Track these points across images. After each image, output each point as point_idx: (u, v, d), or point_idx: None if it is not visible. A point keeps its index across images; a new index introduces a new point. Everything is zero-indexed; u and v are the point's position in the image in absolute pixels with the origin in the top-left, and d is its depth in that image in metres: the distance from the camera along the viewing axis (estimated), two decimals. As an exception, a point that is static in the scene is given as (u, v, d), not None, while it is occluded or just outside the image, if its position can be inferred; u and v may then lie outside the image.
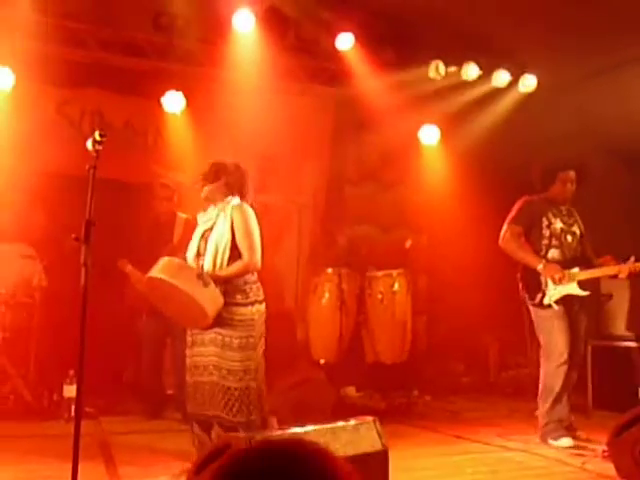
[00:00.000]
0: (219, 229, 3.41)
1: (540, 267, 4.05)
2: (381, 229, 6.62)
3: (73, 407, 3.82)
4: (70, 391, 4.36)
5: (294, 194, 6.31)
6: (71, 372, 4.36)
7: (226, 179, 3.47)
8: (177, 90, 5.61)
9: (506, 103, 6.15)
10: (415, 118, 6.24)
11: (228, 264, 3.36)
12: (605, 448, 3.43)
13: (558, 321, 4.04)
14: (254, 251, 3.37)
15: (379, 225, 6.62)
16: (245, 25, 5.46)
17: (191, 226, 4.86)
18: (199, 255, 3.45)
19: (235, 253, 3.37)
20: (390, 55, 5.97)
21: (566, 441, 3.96)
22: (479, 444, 4.09)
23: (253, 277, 3.44)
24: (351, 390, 5.48)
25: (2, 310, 4.77)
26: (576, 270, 4.09)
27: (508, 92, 6.17)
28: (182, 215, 4.83)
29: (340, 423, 2.69)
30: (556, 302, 4.04)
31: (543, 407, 4.08)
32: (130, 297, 4.79)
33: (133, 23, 5.53)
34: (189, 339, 3.49)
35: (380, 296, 5.43)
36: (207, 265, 3.38)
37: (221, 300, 3.30)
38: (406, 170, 6.50)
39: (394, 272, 5.50)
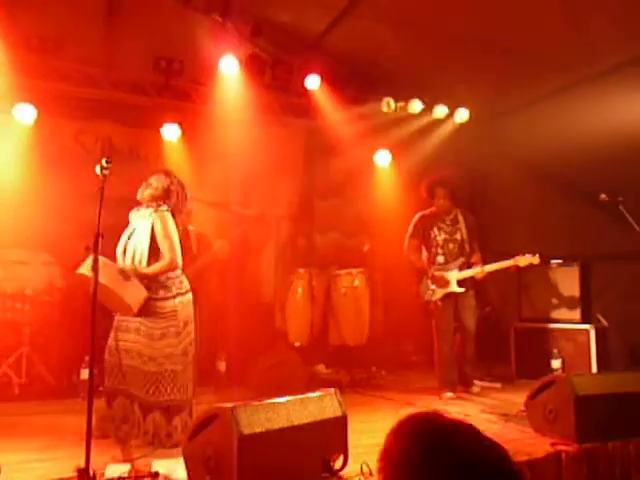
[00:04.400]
0: (141, 231, 3.29)
1: (430, 275, 4.64)
2: (344, 235, 6.69)
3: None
4: (85, 374, 4.32)
5: (272, 207, 6.34)
6: (86, 358, 4.30)
7: (172, 198, 3.38)
8: (174, 122, 5.61)
9: (444, 132, 6.27)
10: (371, 144, 6.31)
11: (148, 263, 3.22)
12: (523, 408, 3.55)
13: (442, 313, 4.62)
14: (174, 251, 3.24)
15: (343, 232, 6.68)
16: (230, 68, 5.47)
17: (200, 236, 4.85)
18: (125, 252, 3.30)
19: (154, 253, 3.23)
20: (350, 93, 6.03)
21: (449, 394, 4.50)
22: (424, 409, 4.15)
23: (175, 273, 3.30)
24: (321, 367, 5.51)
25: (28, 308, 4.75)
26: (454, 272, 4.62)
27: (446, 123, 6.29)
28: (191, 228, 4.74)
29: (308, 394, 2.73)
30: (441, 299, 4.61)
31: (438, 373, 4.64)
32: None
33: (137, 66, 5.51)
34: (115, 324, 3.33)
35: (344, 290, 5.47)
36: (128, 262, 3.27)
37: (143, 292, 3.15)
38: (364, 187, 6.57)
39: (355, 270, 5.56)
